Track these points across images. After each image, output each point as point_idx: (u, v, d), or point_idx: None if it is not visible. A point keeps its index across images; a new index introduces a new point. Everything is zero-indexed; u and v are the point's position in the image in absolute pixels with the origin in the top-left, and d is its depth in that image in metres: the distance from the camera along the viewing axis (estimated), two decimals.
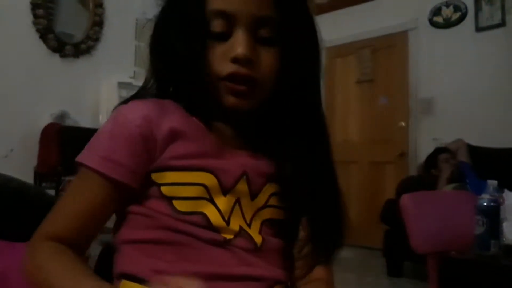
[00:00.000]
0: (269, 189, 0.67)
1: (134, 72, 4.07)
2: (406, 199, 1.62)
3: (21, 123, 3.43)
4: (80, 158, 0.61)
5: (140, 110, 0.62)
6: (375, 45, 4.60)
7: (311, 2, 0.69)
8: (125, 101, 0.66)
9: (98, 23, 3.95)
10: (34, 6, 3.53)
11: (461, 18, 4.10)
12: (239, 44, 0.61)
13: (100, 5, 3.97)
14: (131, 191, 0.61)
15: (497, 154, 3.45)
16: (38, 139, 3.45)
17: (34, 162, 3.44)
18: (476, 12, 4.00)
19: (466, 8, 4.07)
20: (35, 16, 3.54)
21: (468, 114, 3.92)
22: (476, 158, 3.48)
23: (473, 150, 3.54)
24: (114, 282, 0.62)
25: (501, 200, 1.51)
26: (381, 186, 4.42)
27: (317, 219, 0.67)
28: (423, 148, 4.02)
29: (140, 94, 0.69)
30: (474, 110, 3.89)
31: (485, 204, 1.43)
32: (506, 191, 1.59)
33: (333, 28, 4.30)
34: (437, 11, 4.25)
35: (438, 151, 3.55)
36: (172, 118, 0.63)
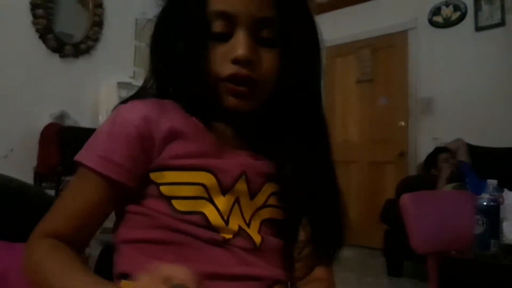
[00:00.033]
0: (269, 188, 0.67)
1: (134, 72, 4.07)
2: (406, 199, 1.62)
3: (21, 123, 3.43)
4: (78, 157, 0.62)
5: (139, 110, 0.62)
6: (375, 44, 4.61)
7: (311, 2, 0.69)
8: (125, 101, 0.67)
9: (97, 23, 3.95)
10: (34, 6, 3.53)
11: (461, 18, 4.10)
12: (239, 45, 0.61)
13: (99, 5, 3.97)
14: (129, 191, 0.62)
15: (497, 154, 3.45)
16: (38, 139, 3.44)
17: (34, 162, 3.44)
18: (476, 12, 4.00)
19: (465, 7, 4.08)
20: (35, 16, 3.54)
21: (468, 114, 3.92)
22: (475, 157, 3.48)
23: (472, 149, 3.55)
24: (114, 282, 0.62)
25: (501, 200, 1.51)
26: (381, 186, 4.42)
27: (317, 220, 0.67)
28: (423, 148, 4.02)
29: (140, 94, 0.69)
30: (474, 110, 3.89)
31: (485, 203, 1.43)
32: (505, 190, 1.59)
33: (333, 28, 4.30)
34: (436, 11, 4.25)
35: (438, 150, 3.55)
36: (171, 118, 0.63)
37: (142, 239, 0.61)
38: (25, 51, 3.50)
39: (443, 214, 1.65)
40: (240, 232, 0.62)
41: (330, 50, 4.70)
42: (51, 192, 2.96)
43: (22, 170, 3.20)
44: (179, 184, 0.61)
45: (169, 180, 0.61)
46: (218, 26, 0.62)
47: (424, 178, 3.52)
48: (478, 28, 3.99)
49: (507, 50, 3.79)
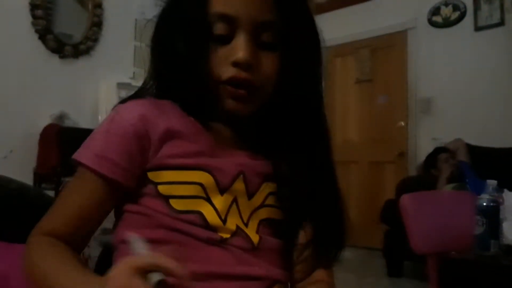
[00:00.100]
0: (266, 188, 0.67)
1: (133, 73, 4.07)
2: (406, 199, 1.62)
3: (21, 124, 3.43)
4: (75, 155, 0.62)
5: (137, 109, 0.63)
6: (374, 44, 4.61)
7: (311, 2, 0.69)
8: (123, 101, 0.67)
9: (97, 24, 3.95)
10: (33, 7, 3.52)
11: (460, 18, 4.11)
12: (240, 48, 0.61)
13: (99, 6, 3.96)
14: (126, 190, 0.62)
15: (497, 154, 3.45)
16: (37, 140, 3.44)
17: (33, 163, 3.43)
18: (475, 12, 4.01)
19: (465, 7, 4.08)
20: (34, 17, 3.54)
21: (467, 114, 3.92)
22: (475, 157, 3.48)
23: (472, 149, 3.55)
24: None
25: (501, 200, 1.51)
26: (381, 186, 4.42)
27: (317, 221, 0.67)
28: (423, 148, 4.03)
29: (139, 95, 0.69)
30: (474, 110, 3.89)
31: (484, 204, 1.43)
32: (505, 191, 1.59)
33: (332, 28, 4.26)
34: (436, 11, 4.26)
35: (438, 151, 3.55)
36: (169, 117, 0.63)
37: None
38: (24, 52, 3.49)
39: (443, 215, 1.65)
40: (238, 232, 0.62)
41: (330, 50, 4.69)
42: (51, 193, 2.95)
43: (22, 171, 3.19)
44: (177, 184, 0.61)
45: (166, 180, 0.61)
46: (219, 28, 0.62)
47: (424, 178, 3.52)
48: (478, 28, 3.99)
49: (507, 50, 3.79)
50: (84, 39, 3.87)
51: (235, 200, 0.63)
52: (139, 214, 0.62)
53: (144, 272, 0.45)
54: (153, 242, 0.60)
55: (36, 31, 3.56)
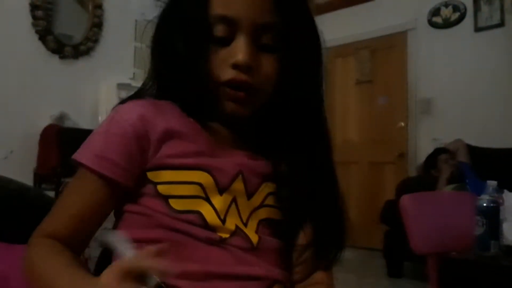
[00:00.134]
0: (266, 188, 0.67)
1: (134, 74, 4.07)
2: (406, 200, 1.62)
3: (21, 125, 3.43)
4: (75, 156, 0.62)
5: (136, 110, 0.63)
6: (374, 45, 4.61)
7: (311, 3, 0.69)
8: (123, 101, 0.67)
9: (97, 25, 3.95)
10: (33, 8, 3.53)
11: (460, 19, 4.11)
12: (239, 50, 0.61)
13: (99, 6, 3.97)
14: (125, 190, 0.62)
15: (497, 154, 3.45)
16: (37, 140, 3.44)
17: (33, 163, 3.43)
18: (475, 12, 4.01)
19: (465, 8, 4.08)
20: (34, 17, 3.54)
21: (467, 115, 3.92)
22: (475, 158, 3.48)
23: (472, 150, 3.55)
24: None
25: (501, 201, 1.51)
26: (381, 187, 4.42)
27: (317, 221, 0.67)
28: (423, 149, 4.03)
29: (139, 95, 0.69)
30: (474, 110, 3.89)
31: (484, 204, 1.43)
32: (505, 191, 1.59)
33: (332, 29, 4.26)
34: (436, 12, 4.26)
35: (438, 151, 3.55)
36: (168, 118, 0.64)
37: (140, 239, 0.61)
38: (25, 53, 3.50)
39: (443, 215, 1.65)
40: (237, 232, 0.62)
41: (330, 51, 4.69)
42: (51, 194, 2.95)
43: (22, 172, 3.19)
44: (176, 183, 0.61)
45: (166, 179, 0.62)
46: (219, 30, 0.62)
47: (424, 179, 3.52)
48: (478, 29, 3.99)
49: (507, 50, 3.79)
50: (84, 40, 3.87)
51: (234, 200, 0.63)
52: (138, 214, 0.62)
53: (134, 276, 0.45)
54: (152, 242, 0.60)
55: (36, 31, 3.56)
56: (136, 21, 4.06)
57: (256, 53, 0.63)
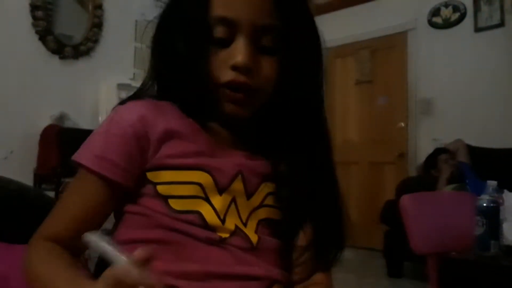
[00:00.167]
0: (265, 188, 0.67)
1: (134, 74, 4.07)
2: (406, 200, 1.62)
3: (21, 125, 3.43)
4: (75, 156, 0.63)
5: (136, 110, 0.63)
6: (375, 45, 4.61)
7: (310, 3, 0.69)
8: (123, 102, 0.67)
9: (97, 25, 3.95)
10: (33, 8, 3.53)
11: (460, 19, 4.11)
12: (239, 52, 0.61)
13: (99, 7, 3.97)
14: (125, 190, 0.62)
15: (497, 155, 3.45)
16: (37, 140, 3.44)
17: (33, 164, 3.43)
18: (475, 13, 4.01)
19: (465, 8, 4.08)
20: (34, 18, 3.54)
21: (467, 115, 3.92)
22: (475, 158, 3.48)
23: (472, 150, 3.55)
24: None
25: (501, 201, 1.51)
26: (381, 187, 4.42)
27: (317, 221, 0.67)
28: (423, 149, 4.03)
29: (138, 95, 0.69)
30: (474, 111, 3.89)
31: (484, 204, 1.43)
32: (505, 191, 1.59)
33: (332, 29, 4.26)
34: (436, 12, 4.26)
35: (438, 151, 3.55)
36: (168, 118, 0.64)
37: (140, 239, 0.61)
38: (25, 53, 3.50)
39: (443, 215, 1.65)
40: (236, 232, 0.62)
41: (330, 51, 4.69)
42: (51, 194, 2.96)
43: (22, 172, 3.20)
44: (176, 184, 0.61)
45: (165, 180, 0.62)
46: (219, 31, 0.62)
47: (424, 179, 3.52)
48: (478, 29, 3.99)
49: (507, 51, 3.79)
50: (84, 40, 3.87)
51: (233, 200, 0.63)
52: (138, 215, 0.62)
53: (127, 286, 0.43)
54: (153, 242, 0.60)
55: (37, 32, 3.56)
56: (136, 21, 4.06)
57: (255, 54, 0.63)
